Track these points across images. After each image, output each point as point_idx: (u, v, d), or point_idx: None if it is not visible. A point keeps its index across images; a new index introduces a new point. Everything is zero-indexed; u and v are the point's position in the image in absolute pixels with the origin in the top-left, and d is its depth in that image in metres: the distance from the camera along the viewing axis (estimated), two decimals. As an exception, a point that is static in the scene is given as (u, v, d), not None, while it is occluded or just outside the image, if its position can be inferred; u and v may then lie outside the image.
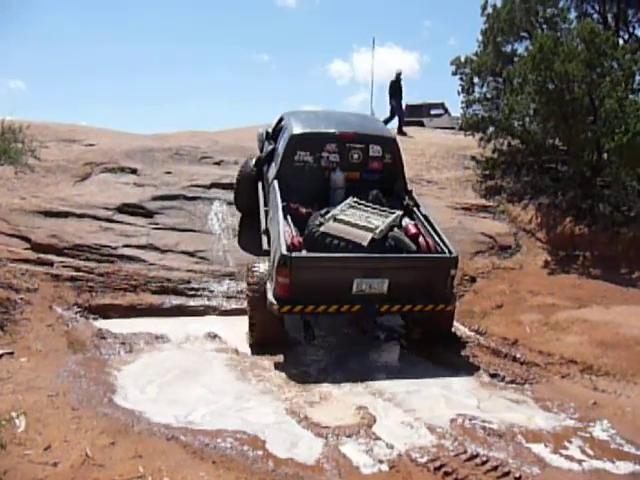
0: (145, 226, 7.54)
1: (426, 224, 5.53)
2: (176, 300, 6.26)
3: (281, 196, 5.63)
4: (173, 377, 4.48)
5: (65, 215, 7.40)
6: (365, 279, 4.80)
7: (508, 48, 11.03)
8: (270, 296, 4.84)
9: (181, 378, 4.47)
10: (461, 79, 11.05)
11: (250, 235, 6.98)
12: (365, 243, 4.93)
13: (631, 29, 11.57)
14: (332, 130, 6.21)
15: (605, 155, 8.92)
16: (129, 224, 7.51)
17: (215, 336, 5.51)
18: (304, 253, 4.88)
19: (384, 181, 6.17)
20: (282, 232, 5.00)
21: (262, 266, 5.32)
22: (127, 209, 7.81)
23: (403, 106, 13.52)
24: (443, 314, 5.17)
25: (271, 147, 6.99)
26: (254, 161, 7.40)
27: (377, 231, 5.03)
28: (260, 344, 5.20)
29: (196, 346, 5.29)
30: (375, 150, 6.21)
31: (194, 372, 4.60)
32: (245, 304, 5.72)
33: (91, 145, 10.16)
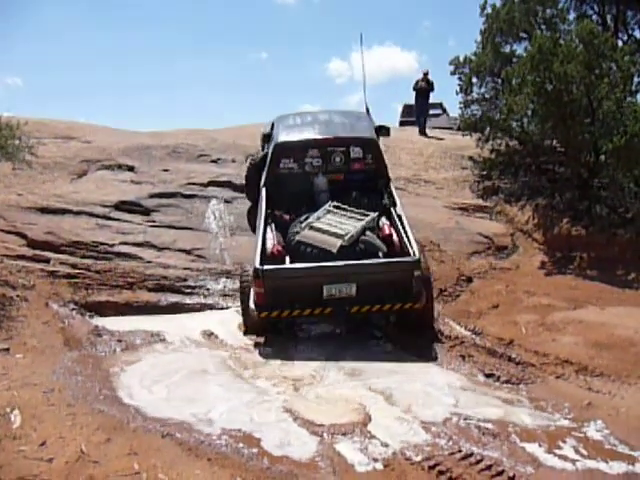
0: (142, 224, 7.55)
1: (399, 224, 5.73)
2: (172, 298, 6.26)
3: (268, 203, 5.96)
4: (169, 374, 4.48)
5: (62, 212, 7.40)
6: (334, 284, 5.09)
7: (507, 48, 11.01)
8: (251, 302, 5.19)
9: (176, 375, 4.47)
10: (460, 79, 11.04)
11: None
12: (334, 250, 5.27)
13: (630, 31, 11.62)
14: (312, 136, 6.49)
15: (602, 157, 8.94)
16: (126, 221, 7.52)
17: (211, 334, 5.52)
18: (274, 266, 5.16)
19: (367, 181, 6.44)
20: (259, 243, 5.36)
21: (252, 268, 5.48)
22: (124, 206, 7.82)
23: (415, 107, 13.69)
24: (415, 311, 5.33)
25: (265, 151, 7.18)
26: (255, 163, 7.52)
27: (346, 237, 5.35)
28: (250, 334, 5.51)
29: (192, 344, 5.30)
30: (356, 152, 6.49)
31: (190, 370, 4.60)
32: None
33: (88, 142, 10.16)
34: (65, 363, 4.44)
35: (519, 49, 10.89)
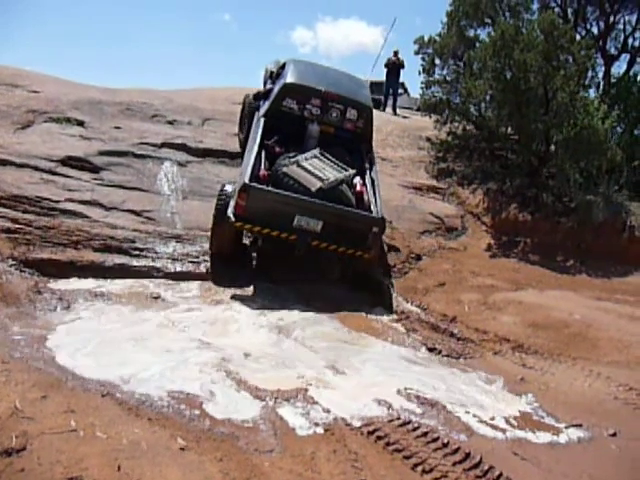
0: (90, 181, 7.23)
1: (371, 185, 6.50)
2: (119, 259, 6.06)
3: (263, 133, 6.52)
4: (112, 337, 4.38)
5: (3, 163, 6.99)
6: (304, 217, 5.76)
7: (471, 32, 11.12)
8: (229, 211, 5.79)
9: (119, 340, 4.37)
10: (423, 59, 11.10)
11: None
12: (313, 189, 5.86)
13: (588, 26, 11.92)
14: (320, 87, 6.97)
15: (553, 147, 9.26)
16: (73, 178, 7.18)
17: (158, 297, 5.42)
18: (262, 186, 5.79)
19: (353, 141, 7.07)
20: (252, 163, 5.97)
21: (229, 187, 6.15)
22: (71, 162, 7.45)
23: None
24: (363, 260, 6.10)
25: (270, 87, 7.66)
26: (253, 95, 8.05)
27: (326, 182, 5.96)
28: (216, 254, 6.24)
29: (137, 306, 5.18)
30: (352, 113, 7.03)
31: (132, 331, 4.51)
32: (191, 267, 6.18)
33: (35, 92, 9.60)
34: (1, 319, 4.26)
35: (483, 34, 11.01)
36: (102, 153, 7.85)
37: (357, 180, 6.47)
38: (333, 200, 5.89)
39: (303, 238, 5.82)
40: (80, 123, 8.70)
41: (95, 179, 7.32)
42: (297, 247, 5.92)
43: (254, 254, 6.67)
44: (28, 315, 4.57)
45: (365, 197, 6.31)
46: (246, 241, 6.74)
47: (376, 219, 5.98)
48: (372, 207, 6.16)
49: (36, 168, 7.10)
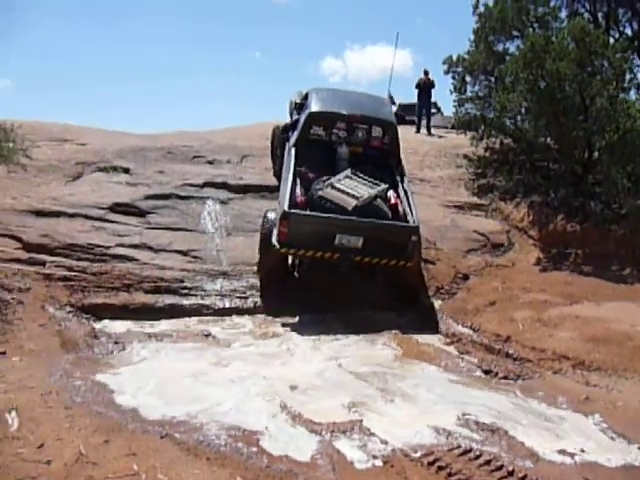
0: (138, 225, 7.51)
1: (404, 197, 6.70)
2: (169, 299, 6.23)
3: (295, 161, 6.80)
4: (167, 378, 4.47)
5: (57, 215, 7.36)
6: (345, 235, 5.99)
7: (500, 47, 11.06)
8: (274, 239, 6.05)
9: (175, 378, 4.46)
10: (453, 78, 11.10)
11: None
12: (350, 208, 6.09)
13: (621, 28, 11.66)
14: (343, 111, 7.26)
15: (596, 153, 8.99)
16: (122, 223, 7.49)
17: (209, 335, 5.51)
18: (301, 211, 6.09)
19: (381, 157, 7.29)
20: (289, 191, 6.25)
21: (272, 215, 6.47)
22: (119, 208, 7.78)
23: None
24: (406, 269, 6.30)
25: (296, 118, 7.95)
26: (282, 127, 8.42)
27: (361, 199, 6.18)
28: (264, 277, 6.54)
29: (189, 345, 5.28)
30: (377, 131, 7.30)
31: (187, 370, 4.59)
32: (239, 302, 6.32)
33: (83, 144, 10.12)
34: (62, 365, 4.41)
35: (512, 47, 10.93)
36: (148, 197, 8.16)
37: (391, 193, 6.70)
38: (369, 215, 6.10)
39: (346, 255, 6.03)
40: (126, 170, 9.09)
41: (142, 223, 7.60)
42: (341, 264, 6.11)
43: (296, 274, 6.91)
44: (87, 360, 4.73)
45: (400, 209, 6.52)
46: (291, 269, 6.89)
47: (413, 227, 6.20)
48: (408, 217, 6.36)
49: (87, 217, 7.44)
